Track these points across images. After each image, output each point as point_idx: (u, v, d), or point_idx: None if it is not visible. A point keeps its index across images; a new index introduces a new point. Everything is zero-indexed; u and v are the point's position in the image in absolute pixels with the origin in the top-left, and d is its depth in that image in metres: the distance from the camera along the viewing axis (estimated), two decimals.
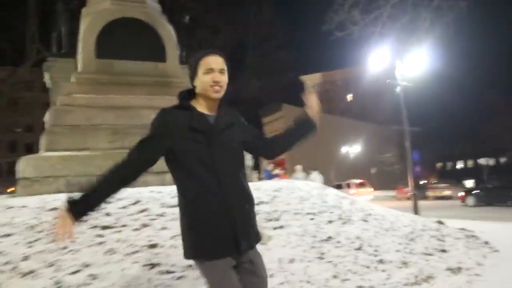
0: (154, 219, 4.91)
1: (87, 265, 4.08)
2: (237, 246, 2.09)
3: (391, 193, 35.00)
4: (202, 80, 2.20)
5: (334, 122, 60.21)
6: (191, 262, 4.14)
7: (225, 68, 2.24)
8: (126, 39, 8.58)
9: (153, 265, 4.12)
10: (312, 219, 5.61)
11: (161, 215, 4.99)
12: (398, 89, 16.44)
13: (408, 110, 16.33)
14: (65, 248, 4.32)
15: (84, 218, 2.11)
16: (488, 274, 4.64)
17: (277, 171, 20.78)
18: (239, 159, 2.26)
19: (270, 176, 17.27)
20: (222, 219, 2.09)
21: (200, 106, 2.25)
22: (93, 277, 3.92)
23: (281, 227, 5.21)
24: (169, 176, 6.92)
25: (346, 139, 54.18)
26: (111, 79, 8.22)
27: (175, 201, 5.43)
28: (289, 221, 5.39)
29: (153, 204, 5.27)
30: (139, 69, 8.54)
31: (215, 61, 2.21)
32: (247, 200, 2.22)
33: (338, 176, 45.09)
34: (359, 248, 4.87)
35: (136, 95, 8.09)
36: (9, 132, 55.04)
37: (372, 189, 28.60)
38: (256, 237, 2.25)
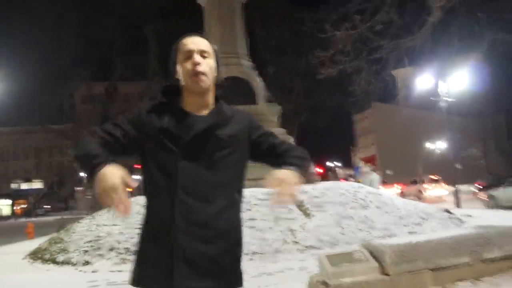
0: (253, 206, 9.32)
1: None
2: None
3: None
4: (183, 70, 1.77)
5: (423, 116, 61.78)
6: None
7: (209, 51, 1.83)
8: (229, 92, 13.12)
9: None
10: (342, 206, 9.68)
11: (256, 204, 9.36)
12: None
13: None
14: None
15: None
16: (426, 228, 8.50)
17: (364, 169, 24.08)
18: (219, 178, 1.73)
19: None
20: (162, 256, 1.68)
21: (187, 105, 1.81)
22: None
23: (322, 210, 9.36)
24: (261, 182, 11.45)
25: (433, 134, 55.56)
26: None
27: (265, 196, 9.81)
28: (328, 207, 9.52)
29: (251, 198, 9.66)
30: None
31: (194, 41, 1.80)
32: (211, 235, 1.72)
33: (426, 171, 47.10)
34: (362, 221, 8.88)
35: None
36: None
37: (445, 185, 30.17)
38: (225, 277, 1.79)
